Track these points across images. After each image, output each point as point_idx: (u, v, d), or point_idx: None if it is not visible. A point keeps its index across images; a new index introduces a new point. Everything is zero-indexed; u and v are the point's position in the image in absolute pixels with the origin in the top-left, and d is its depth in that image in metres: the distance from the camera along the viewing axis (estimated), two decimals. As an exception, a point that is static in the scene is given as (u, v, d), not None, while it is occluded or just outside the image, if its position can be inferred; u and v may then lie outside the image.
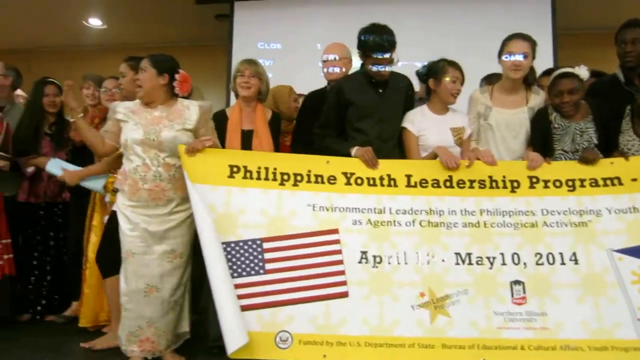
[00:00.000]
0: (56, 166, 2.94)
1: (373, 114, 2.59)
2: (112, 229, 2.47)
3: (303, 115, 3.01)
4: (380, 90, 2.62)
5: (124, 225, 2.37)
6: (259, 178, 2.32)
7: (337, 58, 2.90)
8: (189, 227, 2.44)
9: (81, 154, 3.13)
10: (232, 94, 3.13)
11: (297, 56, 5.27)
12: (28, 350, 2.62)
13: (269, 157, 2.37)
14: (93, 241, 2.93)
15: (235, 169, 2.31)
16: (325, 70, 2.94)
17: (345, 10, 5.17)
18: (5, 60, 3.50)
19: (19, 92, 3.71)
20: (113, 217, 2.50)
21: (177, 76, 2.48)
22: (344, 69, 2.91)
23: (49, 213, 3.28)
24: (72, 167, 2.92)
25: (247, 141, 2.68)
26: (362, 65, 2.64)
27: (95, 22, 6.03)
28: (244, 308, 2.21)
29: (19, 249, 3.16)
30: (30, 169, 3.16)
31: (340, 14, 5.18)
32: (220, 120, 2.69)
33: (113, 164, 2.72)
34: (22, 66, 3.70)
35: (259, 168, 2.32)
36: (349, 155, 2.49)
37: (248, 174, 2.31)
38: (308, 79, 5.02)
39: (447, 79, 2.58)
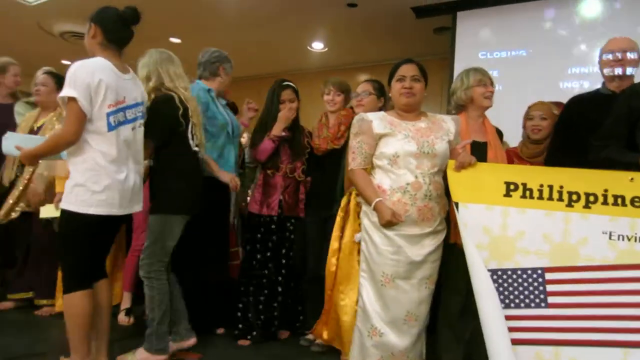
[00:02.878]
0: (10, 144, 2.41)
1: None
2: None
3: (566, 122, 2.60)
4: None
5: (382, 246, 2.21)
6: (541, 197, 2.01)
7: (624, 56, 2.39)
8: (441, 251, 2.30)
9: (320, 163, 3.03)
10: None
11: (527, 64, 4.86)
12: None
13: (553, 173, 2.04)
14: (342, 259, 2.63)
15: (512, 187, 2.04)
16: (606, 70, 2.45)
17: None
18: (237, 87, 3.66)
19: None
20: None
21: None
22: (630, 70, 2.39)
23: (281, 227, 3.01)
24: (28, 142, 2.40)
25: (478, 153, 2.37)
26: None
27: (317, 45, 6.43)
28: (517, 342, 1.97)
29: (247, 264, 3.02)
30: (281, 132, 2.95)
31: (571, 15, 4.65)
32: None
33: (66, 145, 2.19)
34: (253, 91, 3.88)
35: (541, 186, 2.01)
36: (635, 166, 2.02)
37: (528, 193, 2.02)
38: (541, 87, 4.65)
39: None
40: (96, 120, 2.14)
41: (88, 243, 2.21)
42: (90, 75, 2.11)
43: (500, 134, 2.70)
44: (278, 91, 3.02)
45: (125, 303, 3.32)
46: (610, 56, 2.42)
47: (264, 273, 2.96)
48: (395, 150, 2.21)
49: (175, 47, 6.35)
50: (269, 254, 2.97)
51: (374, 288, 2.24)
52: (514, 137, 3.09)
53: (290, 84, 3.07)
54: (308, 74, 6.81)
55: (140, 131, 2.36)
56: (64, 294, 2.20)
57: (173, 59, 2.69)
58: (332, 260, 2.77)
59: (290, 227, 3.03)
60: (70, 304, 2.17)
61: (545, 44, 4.79)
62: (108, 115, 2.16)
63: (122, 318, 3.27)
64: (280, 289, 2.97)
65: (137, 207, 2.37)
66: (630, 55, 2.38)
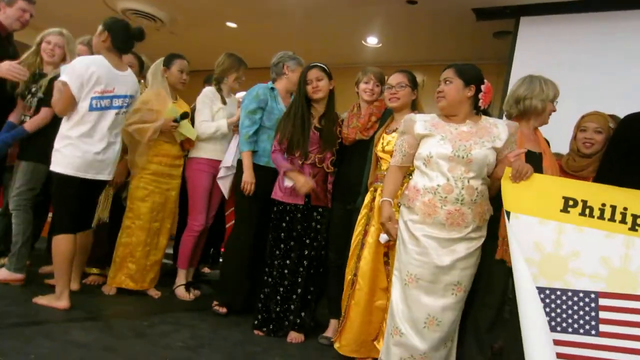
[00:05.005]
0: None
1: None
2: None
3: (619, 142, 2.43)
4: None
5: (409, 245, 2.20)
6: (601, 217, 1.88)
7: None
8: (477, 259, 2.22)
9: (347, 153, 2.95)
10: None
11: (589, 77, 4.60)
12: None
13: (617, 193, 1.90)
14: (366, 259, 2.61)
15: (571, 203, 1.93)
16: None
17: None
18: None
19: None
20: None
21: (482, 87, 2.27)
22: None
23: (307, 216, 2.93)
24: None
25: (534, 164, 2.23)
26: None
27: (372, 40, 6.32)
28: (559, 369, 1.84)
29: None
30: (289, 183, 2.86)
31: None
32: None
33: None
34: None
35: (603, 205, 1.89)
36: None
37: (587, 211, 1.90)
38: (606, 103, 4.40)
39: None
40: (82, 101, 2.72)
41: (69, 196, 2.77)
42: (85, 68, 2.70)
43: (547, 143, 2.59)
44: (304, 72, 2.98)
45: (181, 279, 3.46)
46: None
47: (287, 263, 2.93)
48: (429, 152, 2.21)
49: (231, 32, 6.40)
50: (292, 243, 2.93)
51: (401, 287, 2.23)
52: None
53: (319, 64, 2.99)
54: (360, 68, 6.71)
55: (123, 117, 2.92)
56: (54, 235, 2.78)
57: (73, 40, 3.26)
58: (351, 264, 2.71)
59: (317, 217, 2.96)
60: (57, 244, 2.76)
61: (610, 57, 4.53)
62: (92, 99, 2.72)
63: (182, 293, 3.41)
64: (300, 280, 2.92)
65: (106, 176, 2.86)
66: None
